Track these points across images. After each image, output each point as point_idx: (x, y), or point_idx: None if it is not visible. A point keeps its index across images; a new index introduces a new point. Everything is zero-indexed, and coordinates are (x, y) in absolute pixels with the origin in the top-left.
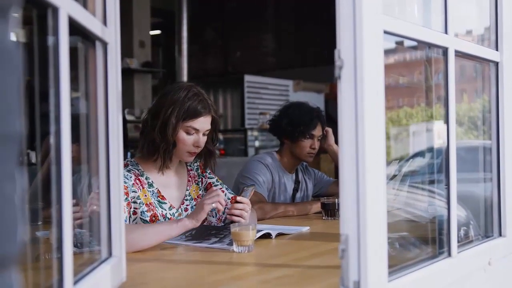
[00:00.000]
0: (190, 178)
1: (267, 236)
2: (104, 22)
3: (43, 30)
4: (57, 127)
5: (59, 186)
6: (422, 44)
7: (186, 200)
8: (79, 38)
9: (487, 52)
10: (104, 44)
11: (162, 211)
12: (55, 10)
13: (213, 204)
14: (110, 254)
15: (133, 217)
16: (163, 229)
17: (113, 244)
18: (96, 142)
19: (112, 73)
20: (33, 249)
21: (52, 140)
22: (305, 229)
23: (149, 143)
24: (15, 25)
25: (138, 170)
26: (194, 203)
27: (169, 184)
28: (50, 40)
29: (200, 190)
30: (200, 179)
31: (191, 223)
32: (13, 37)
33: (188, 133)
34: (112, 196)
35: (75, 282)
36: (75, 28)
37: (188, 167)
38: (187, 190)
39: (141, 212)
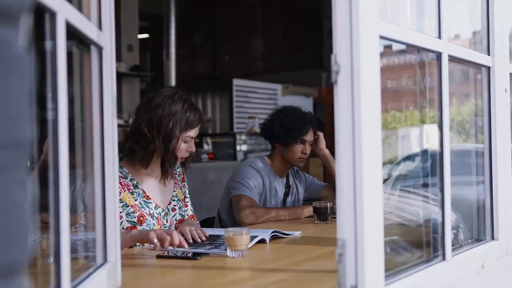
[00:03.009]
0: (176, 181)
1: (260, 240)
2: (100, 27)
3: (40, 34)
4: (54, 131)
5: (57, 192)
6: (411, 48)
7: (174, 200)
8: (74, 43)
9: (479, 57)
10: (99, 49)
11: (149, 211)
12: (53, 15)
13: (155, 240)
14: (105, 259)
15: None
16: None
17: (108, 250)
18: (91, 147)
19: (107, 77)
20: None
21: (49, 144)
22: (297, 233)
23: (150, 154)
24: (25, 31)
25: (121, 173)
26: (181, 204)
27: (155, 186)
28: (47, 44)
29: (182, 195)
30: (183, 185)
31: (138, 235)
32: (23, 43)
33: (185, 142)
34: (108, 202)
35: None
36: (71, 33)
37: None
38: (174, 191)
39: (127, 214)
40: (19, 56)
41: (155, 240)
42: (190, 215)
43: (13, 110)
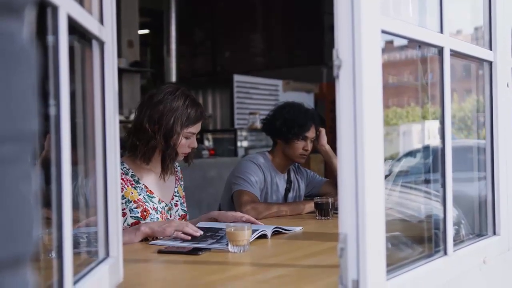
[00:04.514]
0: (177, 177)
1: (262, 236)
2: (101, 21)
3: (42, 29)
4: (56, 127)
5: (59, 187)
6: (413, 44)
7: (176, 196)
8: (76, 37)
9: (481, 52)
10: (101, 44)
11: (153, 205)
12: (55, 9)
13: (175, 233)
14: (107, 254)
15: (122, 219)
16: (124, 241)
17: (111, 245)
18: (93, 142)
19: (109, 72)
20: None
21: (51, 140)
22: (299, 229)
23: (151, 150)
24: (29, 24)
25: (122, 169)
26: (182, 200)
27: (157, 181)
28: (49, 39)
29: (182, 192)
30: (182, 183)
31: (147, 229)
32: (27, 36)
33: (186, 138)
34: (109, 196)
35: (75, 282)
36: (73, 27)
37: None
38: (175, 187)
39: (130, 210)
40: (24, 49)
41: (175, 234)
42: (182, 214)
43: (18, 103)
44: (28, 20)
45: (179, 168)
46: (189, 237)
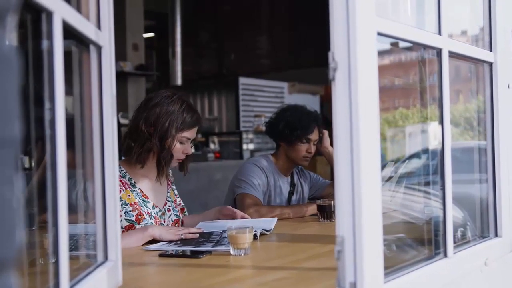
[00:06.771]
0: (169, 182)
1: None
2: (98, 26)
3: (37, 34)
4: (52, 131)
5: (55, 191)
6: (416, 45)
7: (168, 201)
8: (73, 42)
9: (481, 53)
10: (98, 48)
11: (147, 210)
12: (50, 14)
13: (182, 236)
14: (106, 258)
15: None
16: (131, 242)
17: (109, 248)
18: (91, 147)
19: (107, 76)
20: (28, 254)
21: (47, 144)
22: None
23: (146, 152)
24: (12, 30)
25: (120, 172)
26: (174, 205)
27: (151, 186)
28: (44, 44)
29: (175, 196)
30: (174, 186)
31: (155, 231)
32: (10, 42)
33: (181, 142)
34: (108, 200)
35: (72, 286)
36: (69, 32)
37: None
38: (168, 192)
39: (125, 212)
40: (6, 55)
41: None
42: (175, 219)
43: (1, 108)
44: (10, 26)
45: (170, 170)
46: (197, 235)
